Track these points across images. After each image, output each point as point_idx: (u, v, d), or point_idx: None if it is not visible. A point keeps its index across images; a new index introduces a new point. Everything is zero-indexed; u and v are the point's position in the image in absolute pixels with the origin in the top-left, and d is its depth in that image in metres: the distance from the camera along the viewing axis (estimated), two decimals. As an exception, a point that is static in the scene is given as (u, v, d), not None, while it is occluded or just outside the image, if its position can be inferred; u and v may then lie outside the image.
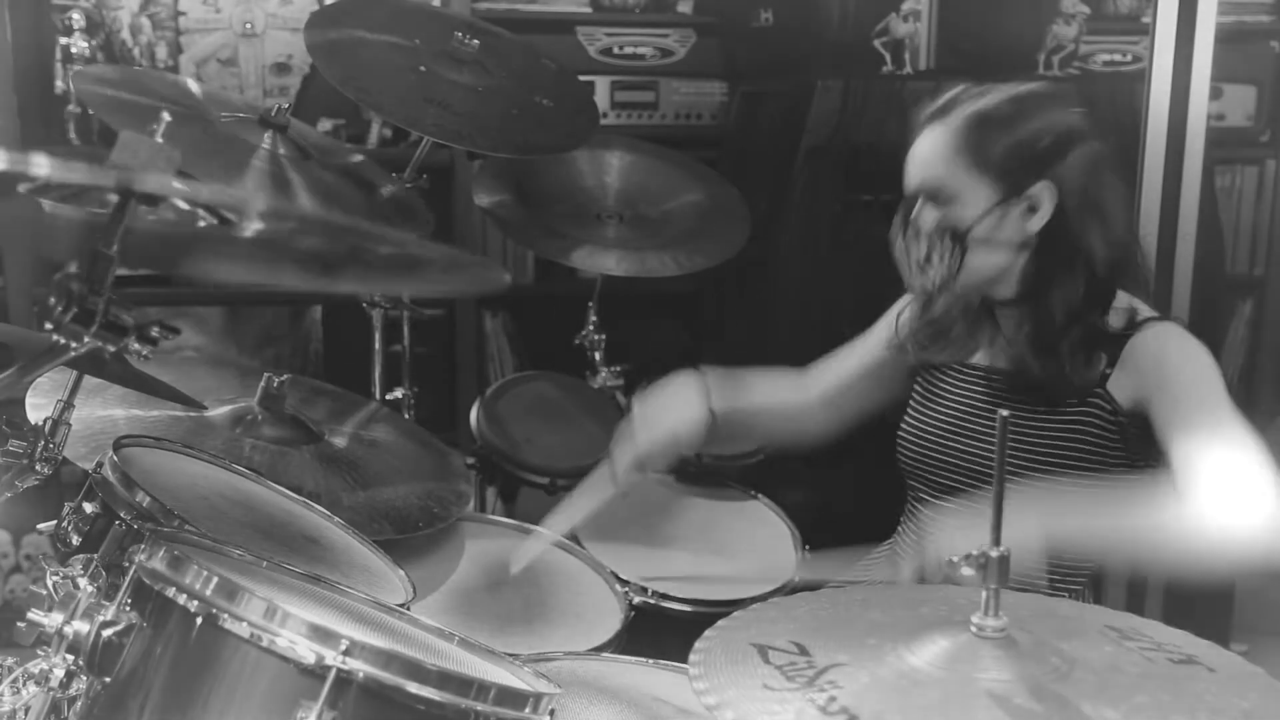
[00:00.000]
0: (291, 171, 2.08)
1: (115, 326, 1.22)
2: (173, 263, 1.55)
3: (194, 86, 2.27)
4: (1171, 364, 1.77)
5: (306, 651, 1.16)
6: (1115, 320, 1.81)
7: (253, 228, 1.11)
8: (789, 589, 2.06)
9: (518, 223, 2.68)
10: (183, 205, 1.19)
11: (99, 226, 1.19)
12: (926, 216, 1.82)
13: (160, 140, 1.25)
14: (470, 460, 2.42)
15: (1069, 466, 1.82)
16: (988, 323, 1.92)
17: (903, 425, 1.99)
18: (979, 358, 1.93)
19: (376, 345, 2.57)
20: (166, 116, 1.26)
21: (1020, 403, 1.85)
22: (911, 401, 2.00)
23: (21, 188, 1.15)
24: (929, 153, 1.83)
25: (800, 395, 2.15)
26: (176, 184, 1.15)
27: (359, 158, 2.40)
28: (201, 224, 1.21)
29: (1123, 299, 1.83)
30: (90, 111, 3.23)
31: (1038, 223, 1.78)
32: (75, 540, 1.48)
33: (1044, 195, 1.77)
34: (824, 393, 2.14)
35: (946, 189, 1.80)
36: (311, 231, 1.15)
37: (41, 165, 1.04)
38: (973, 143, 1.79)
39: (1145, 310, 1.82)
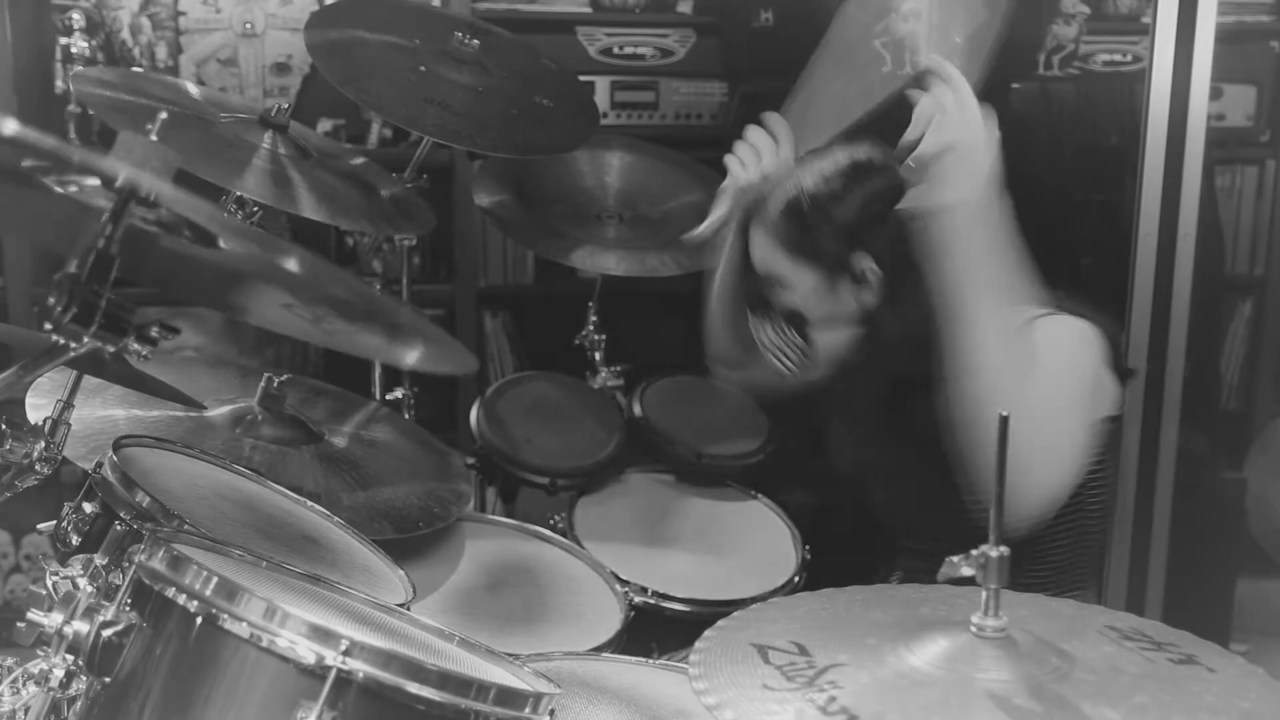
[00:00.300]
0: (292, 171, 2.08)
1: (115, 326, 1.22)
2: (202, 296, 1.55)
3: (193, 90, 2.27)
4: (1040, 348, 1.70)
5: (306, 651, 1.16)
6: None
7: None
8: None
9: (518, 223, 2.68)
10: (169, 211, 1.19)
11: (99, 222, 1.19)
12: (777, 306, 1.86)
13: (155, 140, 1.25)
14: (470, 460, 2.42)
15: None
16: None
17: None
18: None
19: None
20: (163, 115, 1.26)
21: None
22: None
23: (26, 163, 1.14)
24: (757, 248, 1.87)
25: None
26: (161, 183, 1.15)
27: (360, 160, 2.40)
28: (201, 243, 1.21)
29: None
30: (90, 111, 3.23)
31: (871, 294, 1.78)
32: (75, 540, 1.48)
33: (868, 266, 1.78)
34: None
35: (780, 279, 1.84)
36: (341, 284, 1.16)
37: (10, 125, 1.03)
38: (784, 234, 1.82)
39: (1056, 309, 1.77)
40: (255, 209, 2.05)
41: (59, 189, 1.21)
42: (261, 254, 1.19)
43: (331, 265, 1.13)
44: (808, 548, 2.25)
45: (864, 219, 1.79)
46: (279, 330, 1.39)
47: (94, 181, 1.17)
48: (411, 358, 1.48)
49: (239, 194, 1.98)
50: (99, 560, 1.43)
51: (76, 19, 3.28)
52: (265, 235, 1.24)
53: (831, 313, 1.81)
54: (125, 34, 3.38)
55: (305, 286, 1.21)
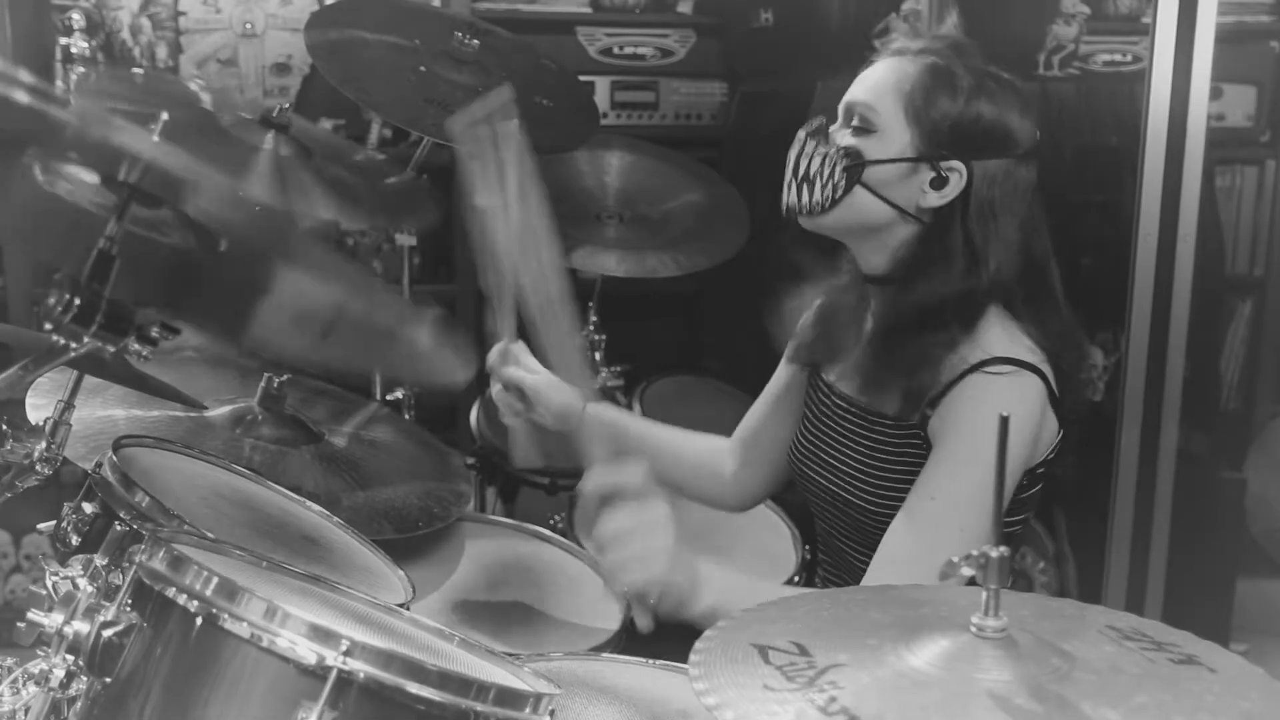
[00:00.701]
0: (296, 170, 2.08)
1: (115, 326, 1.22)
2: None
3: (202, 93, 2.27)
4: (962, 419, 1.62)
5: (307, 652, 1.16)
6: (965, 351, 1.66)
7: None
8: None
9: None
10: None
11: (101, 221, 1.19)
12: (839, 136, 1.73)
13: (157, 138, 1.25)
14: (470, 460, 2.42)
15: (880, 498, 1.74)
16: (860, 316, 1.80)
17: (792, 448, 1.92)
18: (834, 376, 1.84)
19: (376, 345, 2.57)
20: (165, 115, 1.26)
21: (850, 414, 1.79)
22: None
23: (27, 157, 1.14)
24: (876, 78, 1.71)
25: (713, 456, 2.05)
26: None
27: (371, 153, 2.39)
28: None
29: (995, 324, 1.68)
30: (90, 111, 3.23)
31: (935, 199, 1.68)
32: (75, 540, 1.48)
33: (954, 175, 1.67)
34: (738, 448, 2.04)
35: (872, 121, 1.70)
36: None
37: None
38: (918, 89, 1.68)
39: (1005, 348, 1.66)
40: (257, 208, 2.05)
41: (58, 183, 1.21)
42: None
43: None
44: (808, 548, 2.25)
45: (990, 136, 1.67)
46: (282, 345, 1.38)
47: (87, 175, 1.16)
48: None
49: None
50: (99, 560, 1.43)
51: (76, 19, 3.28)
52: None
53: (890, 186, 1.69)
54: (125, 34, 3.38)
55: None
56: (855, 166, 1.69)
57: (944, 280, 1.67)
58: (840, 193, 1.70)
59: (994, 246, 1.68)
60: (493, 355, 1.94)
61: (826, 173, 1.70)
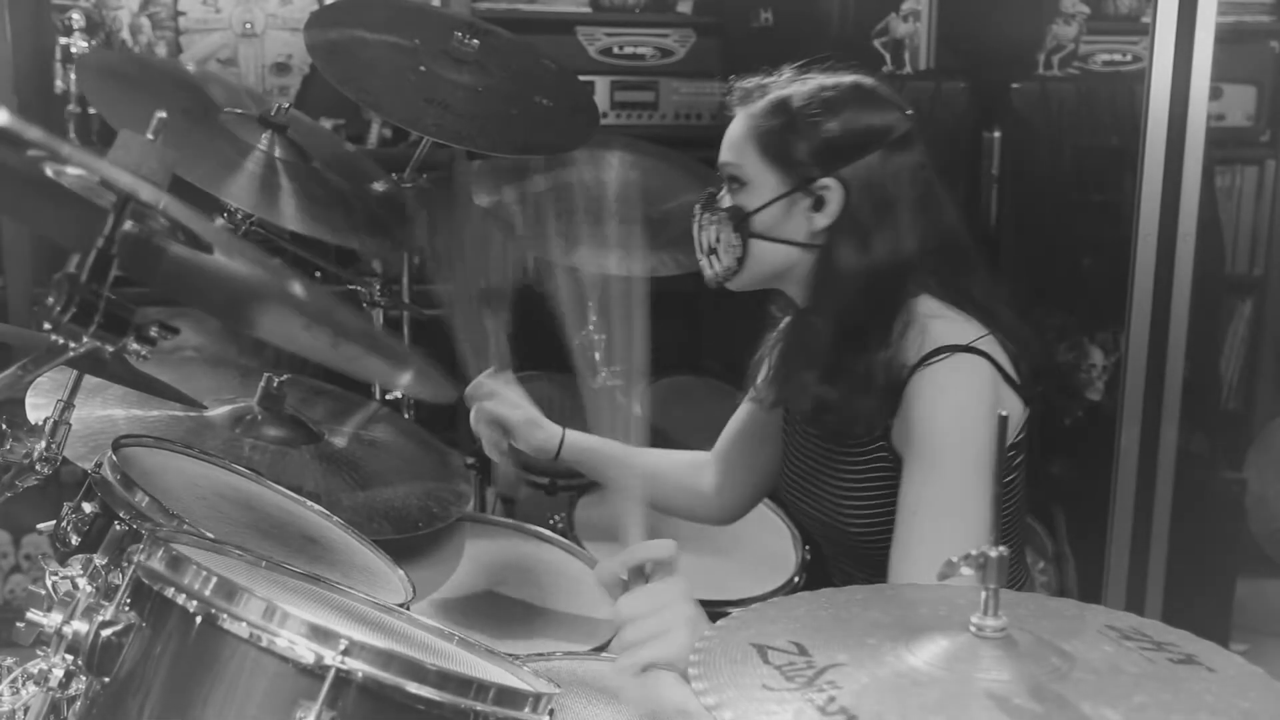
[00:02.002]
0: (284, 177, 2.08)
1: (114, 326, 1.22)
2: (227, 313, 1.54)
3: (190, 68, 2.27)
4: (918, 420, 1.61)
5: (306, 651, 1.16)
6: (906, 351, 1.65)
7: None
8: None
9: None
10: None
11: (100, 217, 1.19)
12: (724, 200, 1.76)
13: (155, 140, 1.24)
14: (470, 460, 2.42)
15: (865, 521, 1.74)
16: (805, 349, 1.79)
17: (781, 474, 1.92)
18: (798, 400, 1.81)
19: (376, 345, 2.57)
20: (163, 114, 1.26)
21: (817, 442, 1.78)
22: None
23: (31, 152, 1.14)
24: (731, 136, 1.76)
25: (694, 472, 2.06)
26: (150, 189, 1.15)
27: (352, 148, 2.39)
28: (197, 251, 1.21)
29: (929, 313, 1.67)
30: (90, 111, 3.23)
31: (822, 220, 1.69)
32: (75, 540, 1.47)
33: (829, 192, 1.69)
34: (717, 464, 2.05)
35: (741, 176, 1.73)
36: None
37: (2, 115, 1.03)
38: (766, 130, 1.71)
39: (946, 335, 1.64)
40: (249, 219, 2.06)
41: (60, 180, 1.21)
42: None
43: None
44: (808, 548, 2.25)
45: (848, 142, 1.69)
46: (288, 347, 1.38)
47: (82, 173, 1.16)
48: (403, 381, 1.47)
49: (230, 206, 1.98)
50: (98, 560, 1.43)
51: (76, 19, 3.28)
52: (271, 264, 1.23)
53: (779, 227, 1.72)
54: (125, 34, 3.38)
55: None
56: (742, 222, 1.73)
57: (848, 292, 1.68)
58: (741, 252, 1.74)
59: (893, 238, 1.68)
60: (472, 387, 1.94)
61: (722, 238, 1.75)
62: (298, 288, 1.12)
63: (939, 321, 1.66)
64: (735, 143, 1.75)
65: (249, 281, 1.24)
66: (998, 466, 1.08)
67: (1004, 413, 1.10)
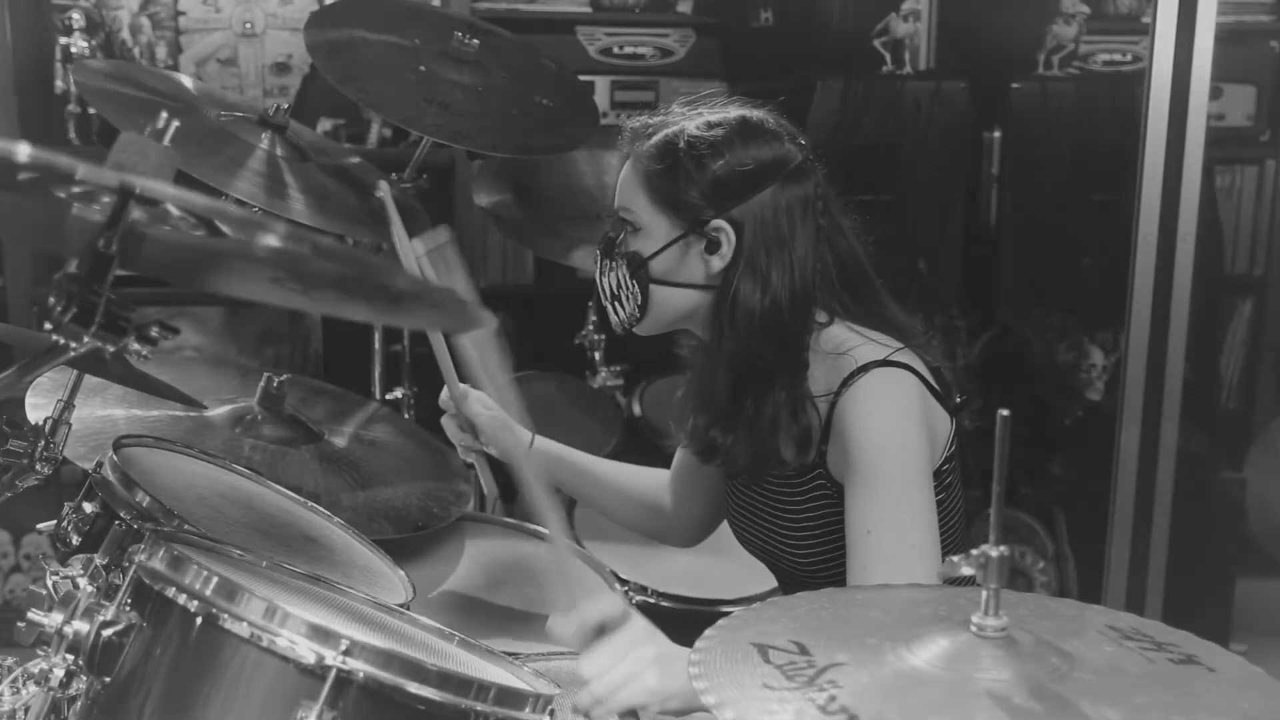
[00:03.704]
0: (288, 174, 2.08)
1: (115, 326, 1.22)
2: (190, 277, 1.53)
3: (188, 82, 2.27)
4: (853, 440, 1.58)
5: (306, 651, 1.16)
6: (823, 379, 1.64)
7: (268, 244, 1.11)
8: None
9: (518, 223, 2.69)
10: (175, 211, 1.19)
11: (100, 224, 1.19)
12: (621, 247, 1.71)
13: (167, 143, 1.24)
14: (470, 460, 2.42)
15: (811, 551, 1.70)
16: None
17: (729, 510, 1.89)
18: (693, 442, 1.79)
19: (376, 345, 2.58)
20: (167, 116, 1.26)
21: (758, 484, 1.74)
22: None
23: (22, 176, 1.14)
24: (622, 180, 1.72)
25: (656, 492, 2.01)
26: (169, 188, 1.15)
27: (355, 159, 2.40)
28: (213, 236, 1.21)
29: (842, 339, 1.65)
30: (90, 111, 3.23)
31: (718, 263, 1.64)
32: (75, 540, 1.48)
33: (721, 234, 1.64)
34: (671, 488, 2.00)
35: (633, 220, 1.69)
36: (329, 257, 1.15)
37: (22, 152, 1.03)
38: (654, 174, 1.66)
39: (865, 354, 1.62)
40: (254, 211, 2.05)
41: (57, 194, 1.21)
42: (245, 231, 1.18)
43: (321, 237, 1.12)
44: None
45: (737, 181, 1.64)
46: (267, 301, 1.37)
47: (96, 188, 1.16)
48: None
49: (235, 199, 1.98)
50: (99, 560, 1.43)
51: (76, 19, 3.28)
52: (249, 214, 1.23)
53: (676, 271, 1.67)
54: (125, 34, 3.38)
55: (293, 260, 1.20)
56: (639, 268, 1.68)
57: (751, 331, 1.64)
58: (641, 299, 1.69)
59: (791, 274, 1.64)
60: (445, 396, 1.93)
61: (623, 285, 1.70)
62: (270, 240, 1.10)
63: (853, 342, 1.64)
64: (626, 187, 1.71)
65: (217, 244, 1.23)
66: (1003, 467, 1.08)
67: (1003, 411, 1.10)
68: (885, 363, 1.61)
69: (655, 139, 1.69)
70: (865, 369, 1.60)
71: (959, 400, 1.69)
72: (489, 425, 1.92)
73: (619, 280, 1.70)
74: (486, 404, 1.93)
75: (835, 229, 1.70)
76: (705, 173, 1.64)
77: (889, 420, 1.59)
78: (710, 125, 1.68)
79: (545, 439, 1.98)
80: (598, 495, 2.01)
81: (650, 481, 2.03)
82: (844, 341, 1.64)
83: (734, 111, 1.71)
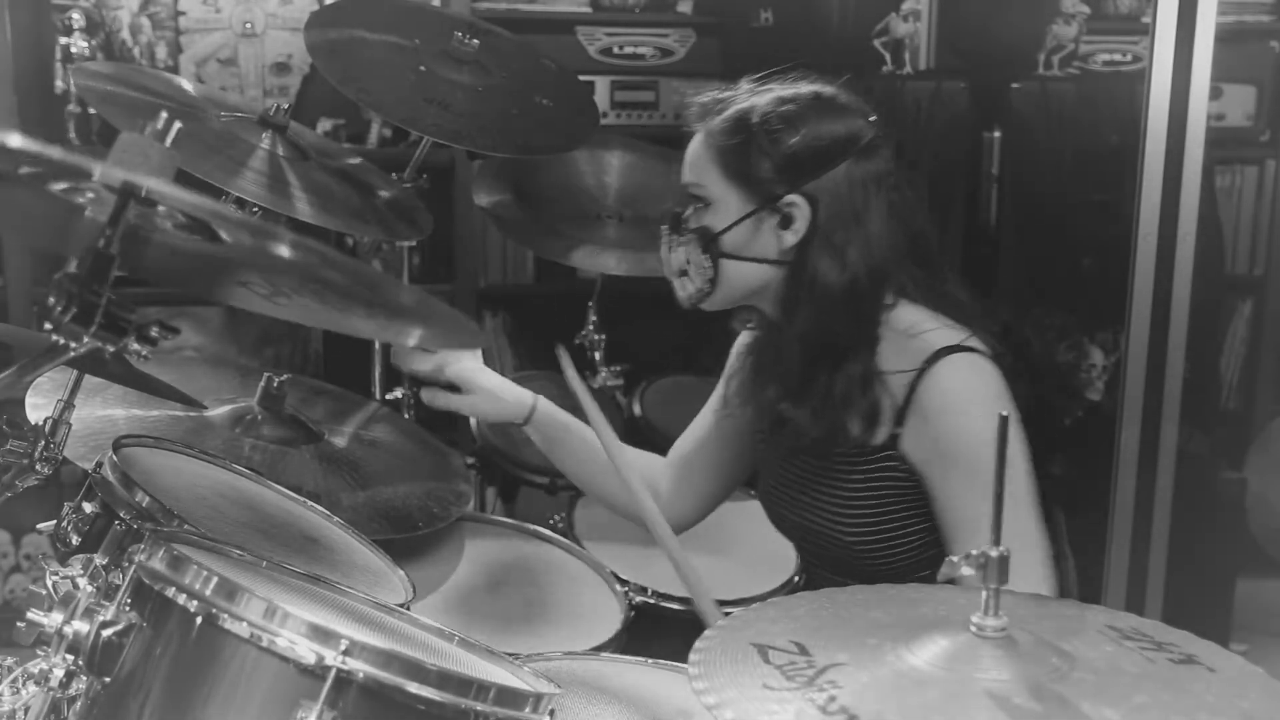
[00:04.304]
0: (290, 174, 2.07)
1: (115, 326, 1.22)
2: (200, 287, 1.54)
3: (188, 85, 2.27)
4: (949, 430, 1.60)
5: (306, 651, 1.16)
6: (896, 358, 1.66)
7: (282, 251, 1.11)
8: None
9: (518, 223, 2.69)
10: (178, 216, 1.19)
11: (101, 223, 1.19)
12: (690, 223, 1.72)
13: (169, 144, 1.24)
14: (470, 460, 2.42)
15: (863, 530, 1.71)
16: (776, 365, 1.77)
17: (762, 491, 1.90)
18: (766, 415, 1.80)
19: (376, 345, 2.57)
20: (168, 116, 1.26)
21: (819, 459, 1.74)
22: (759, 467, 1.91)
23: (23, 170, 1.14)
24: (691, 156, 1.73)
25: (651, 475, 2.00)
26: (168, 187, 1.15)
27: (357, 160, 2.40)
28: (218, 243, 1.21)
29: (914, 320, 1.67)
30: (90, 111, 3.23)
31: (791, 238, 1.66)
32: (75, 540, 1.47)
33: (795, 209, 1.66)
34: (675, 469, 2.01)
35: (703, 195, 1.70)
36: (335, 268, 1.15)
37: (14, 140, 1.03)
38: (727, 148, 1.68)
39: (941, 338, 1.65)
40: (255, 210, 2.05)
41: (56, 191, 1.21)
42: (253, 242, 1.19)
43: (326, 249, 1.12)
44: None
45: (811, 156, 1.65)
46: (268, 314, 1.38)
47: (93, 184, 1.16)
48: (414, 338, 1.47)
49: (237, 195, 1.98)
50: (99, 560, 1.43)
51: (76, 19, 3.28)
52: (258, 223, 1.23)
53: (748, 246, 1.69)
54: (125, 34, 3.38)
55: (295, 271, 1.20)
56: (710, 243, 1.69)
57: (824, 307, 1.65)
58: (712, 273, 1.70)
59: (866, 249, 1.65)
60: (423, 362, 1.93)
61: (692, 260, 1.71)
62: (283, 250, 1.10)
63: (925, 325, 1.65)
64: (696, 162, 1.72)
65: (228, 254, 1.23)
66: (1002, 471, 1.08)
67: (1004, 411, 1.10)
68: (964, 348, 1.63)
69: (727, 114, 1.70)
70: (946, 353, 1.62)
71: (1021, 388, 1.70)
72: (480, 392, 1.92)
73: (687, 255, 1.71)
74: (479, 366, 1.92)
75: (906, 204, 1.71)
76: (779, 148, 1.65)
77: (986, 411, 1.59)
78: (783, 101, 1.68)
79: (550, 403, 1.96)
80: (589, 469, 1.98)
81: (650, 463, 2.04)
82: (916, 324, 1.66)
83: (806, 87, 1.71)
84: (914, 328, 1.65)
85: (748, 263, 1.69)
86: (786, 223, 1.66)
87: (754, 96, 1.71)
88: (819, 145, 1.66)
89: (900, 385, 1.64)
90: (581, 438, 1.98)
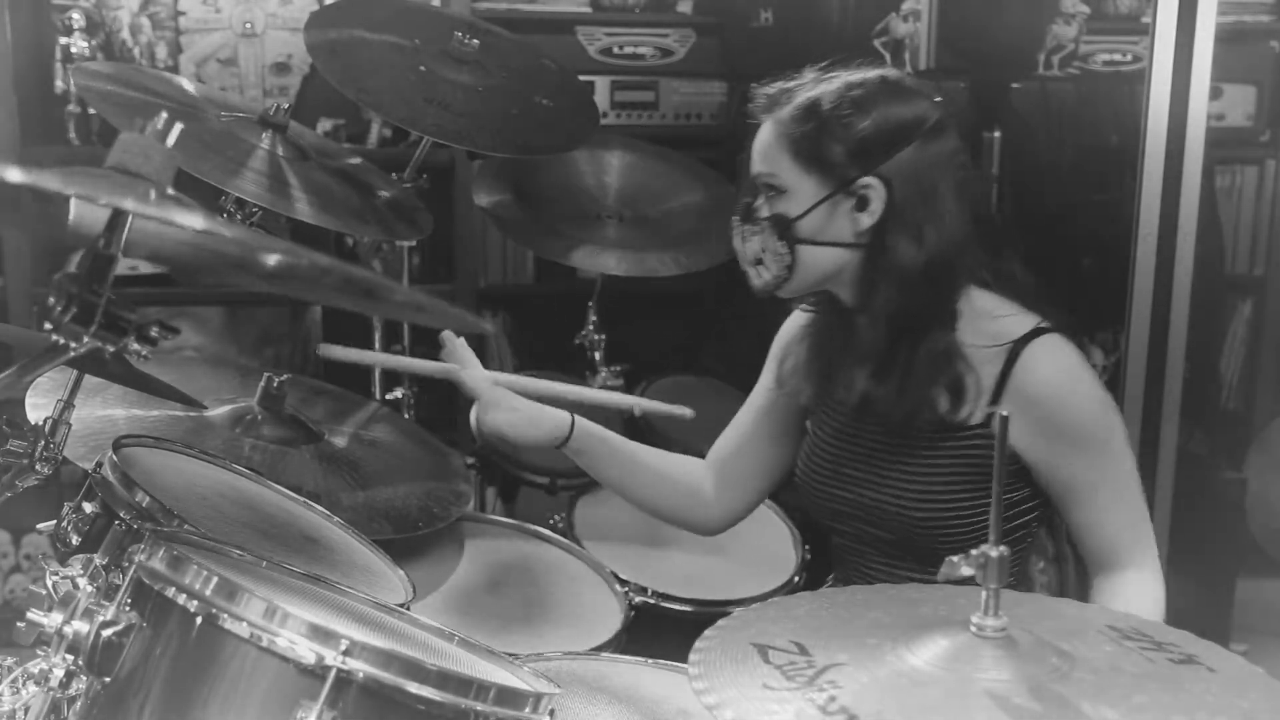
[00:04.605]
0: (290, 174, 2.08)
1: (115, 326, 1.22)
2: (209, 275, 1.54)
3: (189, 85, 2.27)
4: (1058, 407, 1.68)
5: (306, 651, 1.16)
6: (975, 336, 1.70)
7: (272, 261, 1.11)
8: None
9: (518, 223, 2.69)
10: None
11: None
12: (762, 209, 1.74)
13: (170, 144, 1.24)
14: (470, 460, 2.42)
15: (936, 506, 1.73)
16: (851, 345, 1.80)
17: (796, 471, 1.91)
18: (849, 397, 1.80)
19: (376, 345, 2.58)
20: (168, 117, 1.25)
21: (881, 435, 1.77)
22: (804, 447, 1.92)
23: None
24: (762, 145, 1.74)
25: (693, 477, 2.01)
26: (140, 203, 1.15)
27: (357, 160, 2.40)
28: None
29: (988, 305, 1.73)
30: (90, 111, 3.23)
31: (867, 220, 1.69)
32: (75, 540, 1.47)
33: (871, 191, 1.68)
34: (718, 468, 2.01)
35: (777, 184, 1.72)
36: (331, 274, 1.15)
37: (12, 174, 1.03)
38: (798, 135, 1.70)
39: (1019, 324, 1.71)
40: (255, 210, 2.05)
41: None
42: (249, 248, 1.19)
43: (322, 255, 1.13)
44: (808, 548, 2.25)
45: (883, 139, 1.68)
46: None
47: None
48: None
49: (237, 195, 1.98)
50: (99, 560, 1.43)
51: (76, 19, 3.28)
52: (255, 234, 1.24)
53: (824, 230, 1.71)
54: (125, 34, 3.38)
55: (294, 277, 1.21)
56: (786, 230, 1.71)
57: (904, 286, 1.68)
58: (790, 259, 1.72)
59: (942, 227, 1.69)
60: (474, 415, 1.94)
61: (768, 248, 1.73)
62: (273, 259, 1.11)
63: (1002, 310, 1.72)
64: (767, 151, 1.73)
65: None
66: (1001, 468, 1.08)
67: (1004, 412, 1.10)
68: (1047, 331, 1.70)
69: (796, 103, 1.72)
70: (1033, 337, 1.69)
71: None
72: (520, 430, 1.92)
73: (763, 244, 1.73)
74: (515, 404, 1.92)
75: (973, 182, 1.78)
76: (851, 132, 1.68)
77: (1090, 387, 1.70)
78: (851, 86, 1.71)
79: (587, 421, 1.96)
80: (632, 478, 1.99)
81: (690, 466, 2.03)
82: (991, 309, 1.72)
83: (872, 72, 1.74)
84: (990, 311, 1.71)
85: (825, 247, 1.71)
86: (862, 205, 1.69)
87: (821, 84, 1.73)
88: (889, 127, 1.69)
89: (986, 364, 1.69)
90: (620, 447, 1.98)
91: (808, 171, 1.70)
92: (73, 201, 1.24)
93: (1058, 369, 1.69)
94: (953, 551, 1.60)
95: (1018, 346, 1.68)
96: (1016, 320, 1.71)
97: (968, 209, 1.72)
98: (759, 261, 1.75)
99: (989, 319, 1.71)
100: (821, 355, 1.84)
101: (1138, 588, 1.71)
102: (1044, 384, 1.68)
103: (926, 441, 1.73)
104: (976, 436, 1.71)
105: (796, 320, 1.92)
